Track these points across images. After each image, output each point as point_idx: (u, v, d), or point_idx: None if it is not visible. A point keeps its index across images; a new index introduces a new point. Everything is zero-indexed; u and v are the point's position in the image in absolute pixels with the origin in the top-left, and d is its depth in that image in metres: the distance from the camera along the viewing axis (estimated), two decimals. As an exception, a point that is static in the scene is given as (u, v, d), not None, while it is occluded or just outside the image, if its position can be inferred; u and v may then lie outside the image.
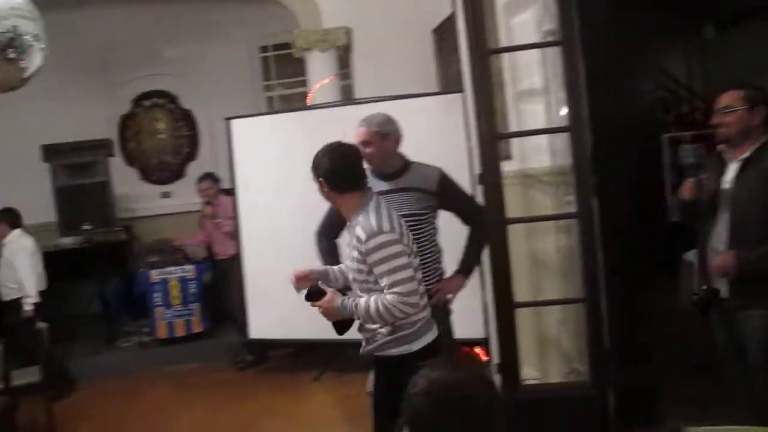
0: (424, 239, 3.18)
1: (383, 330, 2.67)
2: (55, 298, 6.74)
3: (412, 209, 3.18)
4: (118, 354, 6.48)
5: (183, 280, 6.34)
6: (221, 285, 6.33)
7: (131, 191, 7.72)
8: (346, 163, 2.69)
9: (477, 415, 1.42)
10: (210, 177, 6.23)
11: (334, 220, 3.39)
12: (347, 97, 6.36)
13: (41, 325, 4.87)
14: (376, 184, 3.05)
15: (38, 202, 6.81)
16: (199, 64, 7.87)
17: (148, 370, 6.14)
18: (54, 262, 6.57)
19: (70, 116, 7.20)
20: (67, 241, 6.87)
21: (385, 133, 3.21)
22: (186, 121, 8.16)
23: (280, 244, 5.30)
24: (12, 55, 3.29)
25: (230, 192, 6.03)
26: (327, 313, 2.78)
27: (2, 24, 3.19)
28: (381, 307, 2.57)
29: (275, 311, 5.42)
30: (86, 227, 6.45)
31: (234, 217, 5.71)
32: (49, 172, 6.50)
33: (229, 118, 5.63)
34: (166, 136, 8.19)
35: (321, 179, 2.69)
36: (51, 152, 6.51)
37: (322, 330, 5.14)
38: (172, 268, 6.38)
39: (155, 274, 6.36)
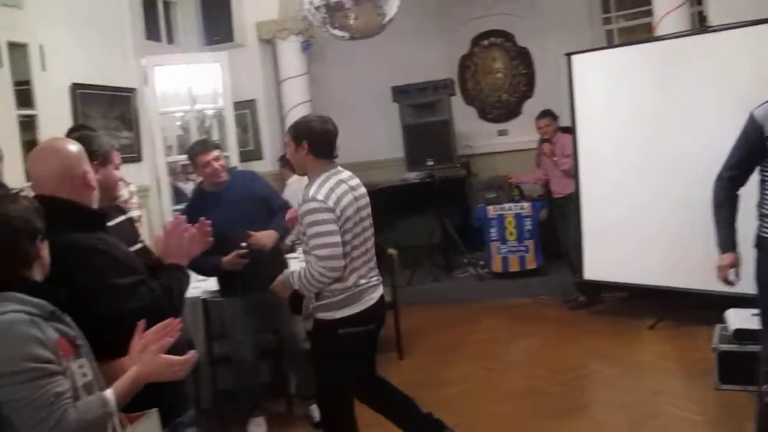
0: None
1: (312, 297, 2.98)
2: (401, 228, 7.39)
3: None
4: (456, 283, 6.90)
5: (519, 217, 6.47)
6: (557, 223, 6.31)
7: (469, 129, 8.02)
8: (331, 134, 3.04)
9: None
10: (548, 114, 6.17)
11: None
12: (699, 25, 5.79)
13: (391, 251, 5.36)
14: None
15: (389, 139, 7.47)
16: (534, 1, 7.80)
17: (481, 301, 6.46)
18: (400, 194, 7.17)
19: (414, 58, 7.70)
20: (412, 176, 7.43)
21: None
22: (522, 59, 8.18)
23: (620, 183, 5.12)
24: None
25: (568, 130, 5.94)
26: (278, 287, 3.13)
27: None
28: (305, 272, 2.89)
29: (611, 253, 5.29)
30: (429, 163, 6.86)
31: (572, 156, 5.63)
32: (399, 111, 7.00)
33: (569, 54, 5.49)
34: (503, 75, 8.30)
35: (304, 141, 2.95)
36: (399, 93, 7.01)
37: (663, 276, 4.94)
38: (508, 205, 6.54)
39: (492, 210, 6.59)
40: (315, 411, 4.11)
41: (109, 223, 2.35)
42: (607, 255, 5.33)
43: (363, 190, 3.12)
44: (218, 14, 6.80)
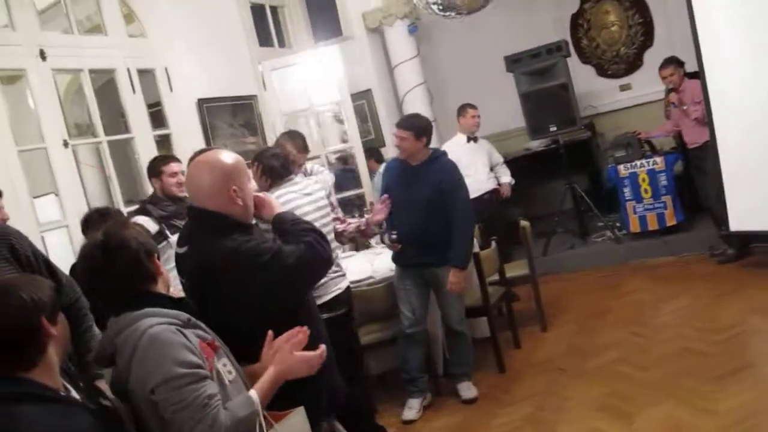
0: None
1: None
2: (531, 198, 7.28)
3: None
4: (593, 248, 6.72)
5: (652, 173, 6.20)
6: (694, 175, 5.99)
7: (590, 89, 7.74)
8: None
9: None
10: (673, 62, 5.85)
11: None
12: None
13: (524, 223, 5.30)
14: None
15: (507, 109, 7.36)
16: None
17: (621, 264, 6.27)
18: (526, 164, 7.07)
19: (523, 25, 7.53)
20: (536, 144, 7.29)
21: None
22: (637, 7, 7.77)
23: (755, 125, 4.80)
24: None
25: (695, 75, 5.62)
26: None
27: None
28: None
29: (757, 200, 4.96)
30: (552, 129, 6.69)
31: (703, 102, 5.32)
32: (514, 80, 6.87)
33: (690, -4, 5.17)
34: (618, 27, 7.93)
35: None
36: (512, 62, 6.88)
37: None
38: (640, 162, 6.28)
39: (623, 169, 6.35)
40: (465, 389, 4.18)
41: None
42: (753, 203, 5.00)
43: (320, 193, 3.63)
44: (324, 11, 6.97)
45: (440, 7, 3.66)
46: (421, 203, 4.00)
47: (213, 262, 2.11)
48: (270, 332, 2.00)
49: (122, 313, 1.82)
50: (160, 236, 3.73)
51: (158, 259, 1.94)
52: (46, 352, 1.60)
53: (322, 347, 2.03)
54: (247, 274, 2.10)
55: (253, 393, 1.85)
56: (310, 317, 2.33)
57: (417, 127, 4.06)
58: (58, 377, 1.63)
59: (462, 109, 6.08)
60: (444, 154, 4.27)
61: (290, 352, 1.95)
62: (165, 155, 4.49)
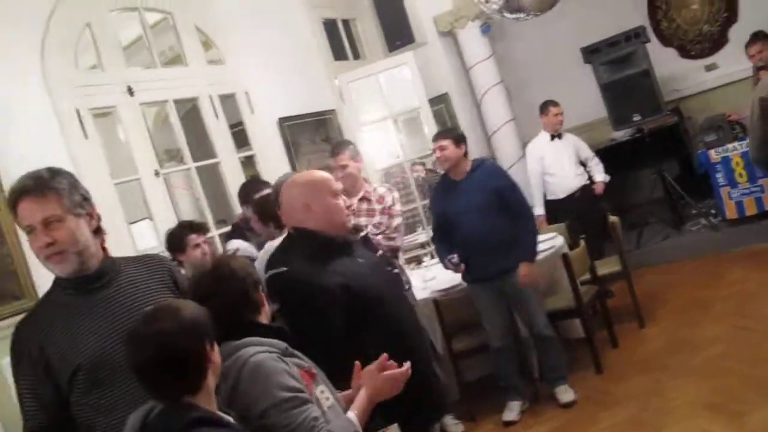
0: None
1: None
2: (620, 190, 7.09)
3: None
4: (688, 237, 6.48)
5: (747, 155, 5.92)
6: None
7: (673, 72, 7.46)
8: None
9: None
10: (760, 37, 5.60)
11: None
12: None
13: (613, 218, 5.18)
14: None
15: (588, 101, 7.19)
16: None
17: (720, 252, 6.01)
18: (611, 155, 6.87)
19: (597, 14, 7.31)
20: (620, 134, 7.08)
21: None
22: (719, -19, 7.45)
23: None
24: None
25: (788, 50, 5.36)
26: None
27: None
28: None
29: None
30: (636, 118, 6.51)
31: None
32: (593, 71, 6.72)
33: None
34: (699, 5, 7.61)
35: None
36: (590, 53, 6.74)
37: None
38: (732, 145, 6.02)
39: (715, 153, 6.11)
40: (562, 393, 4.13)
41: None
42: None
43: None
44: (395, 19, 6.99)
45: (510, 11, 3.62)
46: (478, 211, 4.00)
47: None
48: (357, 363, 2.04)
49: (224, 341, 1.89)
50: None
51: (262, 290, 2.02)
52: (207, 378, 1.65)
53: (407, 365, 2.05)
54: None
55: (352, 415, 1.89)
56: (391, 331, 2.35)
57: (454, 134, 4.16)
58: (215, 403, 1.69)
59: (544, 107, 5.99)
60: (484, 160, 4.30)
61: (377, 372, 1.98)
62: (255, 180, 4.61)
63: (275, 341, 1.91)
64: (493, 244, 3.99)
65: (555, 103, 5.94)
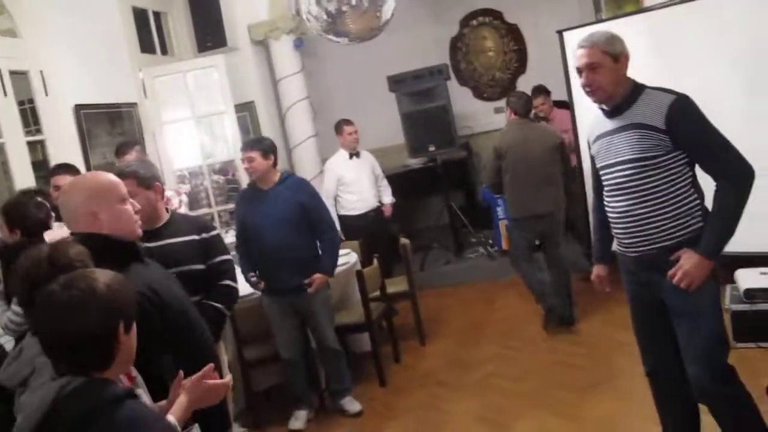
0: (654, 190, 2.56)
1: None
2: (408, 213, 7.48)
3: (633, 153, 2.58)
4: (468, 263, 7.01)
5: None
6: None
7: (466, 110, 8.08)
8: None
9: None
10: (542, 91, 6.25)
11: None
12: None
13: (404, 240, 5.46)
14: (601, 125, 2.75)
15: (388, 127, 7.54)
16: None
17: (495, 280, 6.52)
18: (404, 180, 7.25)
19: (405, 46, 7.75)
20: (415, 161, 7.52)
21: (615, 55, 2.61)
22: (513, 35, 8.23)
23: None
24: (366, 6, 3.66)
25: (563, 104, 6.02)
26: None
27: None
28: None
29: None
30: (431, 148, 6.92)
31: (570, 131, 5.71)
32: (396, 99, 7.06)
33: (561, 31, 5.54)
34: (495, 53, 8.35)
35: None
36: (395, 82, 7.07)
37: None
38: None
39: (496, 189, 6.67)
40: (348, 404, 4.26)
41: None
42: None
43: None
44: (209, 20, 6.84)
45: (335, 35, 3.74)
46: (284, 224, 4.05)
47: None
48: (180, 372, 1.98)
49: None
50: None
51: None
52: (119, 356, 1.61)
53: (228, 376, 2.04)
54: None
55: (171, 417, 1.84)
56: (194, 337, 2.31)
57: (263, 146, 4.13)
58: None
59: (339, 127, 6.07)
60: (293, 173, 4.37)
61: (199, 381, 1.95)
62: (60, 165, 4.25)
63: None
64: (291, 259, 4.04)
65: (349, 122, 6.04)
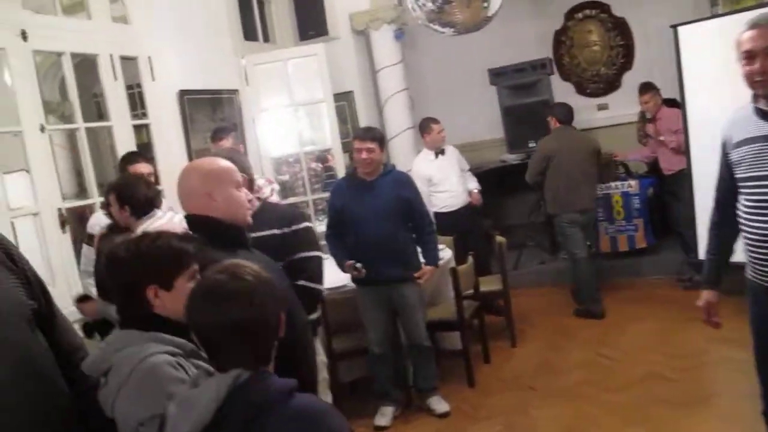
0: None
1: None
2: (502, 209, 7.32)
3: None
4: (563, 264, 6.78)
5: (626, 195, 6.29)
6: (667, 200, 6.09)
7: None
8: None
9: None
10: (651, 88, 5.94)
11: None
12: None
13: (499, 238, 5.34)
14: (748, 127, 2.41)
15: (486, 120, 7.40)
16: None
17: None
18: (499, 176, 7.09)
19: (508, 39, 7.54)
20: (512, 157, 7.33)
21: None
22: (619, 29, 7.89)
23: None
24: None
25: (673, 103, 5.72)
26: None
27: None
28: None
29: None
30: (531, 144, 6.75)
31: (681, 131, 5.42)
32: (497, 93, 6.91)
33: (675, 26, 5.25)
34: (600, 47, 8.03)
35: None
36: (496, 75, 6.93)
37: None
38: (614, 183, 6.37)
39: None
40: (435, 403, 4.20)
41: None
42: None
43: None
44: (311, 9, 6.89)
45: (440, 25, 3.66)
46: (387, 217, 4.02)
47: None
48: None
49: (128, 328, 1.75)
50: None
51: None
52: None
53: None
54: None
55: None
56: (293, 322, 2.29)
57: (380, 137, 4.13)
58: None
59: (425, 126, 5.88)
60: (394, 167, 4.39)
61: None
62: (134, 153, 4.36)
63: (183, 341, 1.73)
64: (389, 250, 4.00)
65: (436, 120, 5.87)
